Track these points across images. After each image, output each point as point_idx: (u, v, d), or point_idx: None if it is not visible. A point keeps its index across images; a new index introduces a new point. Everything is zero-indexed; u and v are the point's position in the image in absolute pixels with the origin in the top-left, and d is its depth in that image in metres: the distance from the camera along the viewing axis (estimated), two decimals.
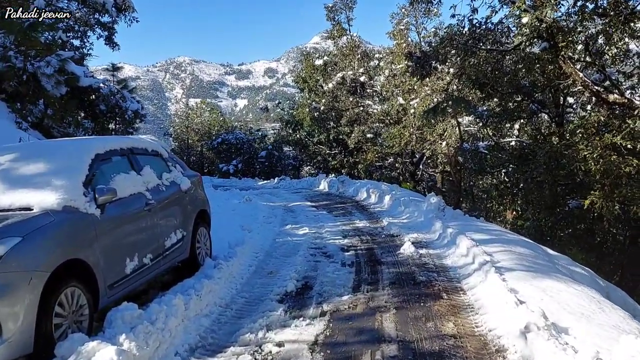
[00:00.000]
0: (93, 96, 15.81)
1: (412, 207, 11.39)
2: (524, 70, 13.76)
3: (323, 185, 19.48)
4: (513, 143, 18.19)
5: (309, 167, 41.71)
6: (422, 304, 5.34)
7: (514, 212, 19.23)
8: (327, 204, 14.38)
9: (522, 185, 12.52)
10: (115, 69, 28.19)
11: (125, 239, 4.96)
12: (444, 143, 20.86)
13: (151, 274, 5.40)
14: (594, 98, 12.06)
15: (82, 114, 16.51)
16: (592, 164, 10.70)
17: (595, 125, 11.85)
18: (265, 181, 28.85)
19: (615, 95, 11.43)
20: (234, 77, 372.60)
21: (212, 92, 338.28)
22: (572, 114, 17.19)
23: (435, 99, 22.07)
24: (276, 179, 27.12)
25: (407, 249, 7.78)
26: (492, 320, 4.70)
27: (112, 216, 4.72)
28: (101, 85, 16.43)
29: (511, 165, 13.78)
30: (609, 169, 10.52)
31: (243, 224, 10.43)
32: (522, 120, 16.42)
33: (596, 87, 11.64)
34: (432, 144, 22.17)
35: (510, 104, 15.79)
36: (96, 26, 23.46)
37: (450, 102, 11.99)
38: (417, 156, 26.48)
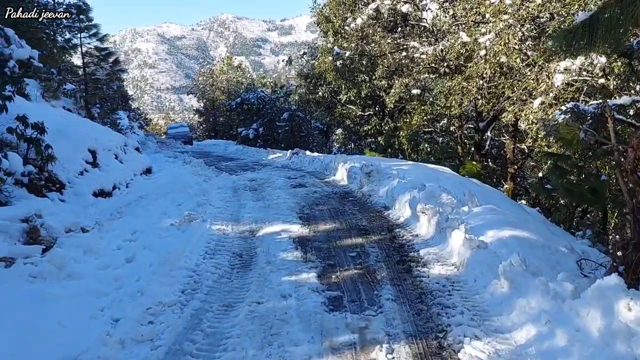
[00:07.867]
0: None
1: (524, 282, 4.06)
2: None
3: (341, 174, 12.19)
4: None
5: (340, 130, 34.03)
6: None
7: None
8: (329, 232, 7.20)
9: None
10: (80, 10, 21.27)
11: None
12: (537, 102, 13.06)
13: None
14: None
15: None
16: None
17: None
18: (279, 154, 21.86)
19: None
20: (276, 34, 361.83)
21: (255, 50, 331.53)
22: None
23: (520, 33, 14.21)
24: (289, 152, 20.08)
25: None
26: None
27: None
28: None
29: None
30: None
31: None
32: None
33: None
34: (515, 103, 14.37)
35: None
36: None
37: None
38: (487, 119, 18.52)
